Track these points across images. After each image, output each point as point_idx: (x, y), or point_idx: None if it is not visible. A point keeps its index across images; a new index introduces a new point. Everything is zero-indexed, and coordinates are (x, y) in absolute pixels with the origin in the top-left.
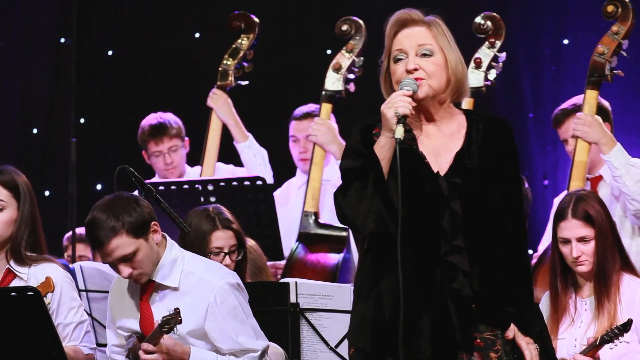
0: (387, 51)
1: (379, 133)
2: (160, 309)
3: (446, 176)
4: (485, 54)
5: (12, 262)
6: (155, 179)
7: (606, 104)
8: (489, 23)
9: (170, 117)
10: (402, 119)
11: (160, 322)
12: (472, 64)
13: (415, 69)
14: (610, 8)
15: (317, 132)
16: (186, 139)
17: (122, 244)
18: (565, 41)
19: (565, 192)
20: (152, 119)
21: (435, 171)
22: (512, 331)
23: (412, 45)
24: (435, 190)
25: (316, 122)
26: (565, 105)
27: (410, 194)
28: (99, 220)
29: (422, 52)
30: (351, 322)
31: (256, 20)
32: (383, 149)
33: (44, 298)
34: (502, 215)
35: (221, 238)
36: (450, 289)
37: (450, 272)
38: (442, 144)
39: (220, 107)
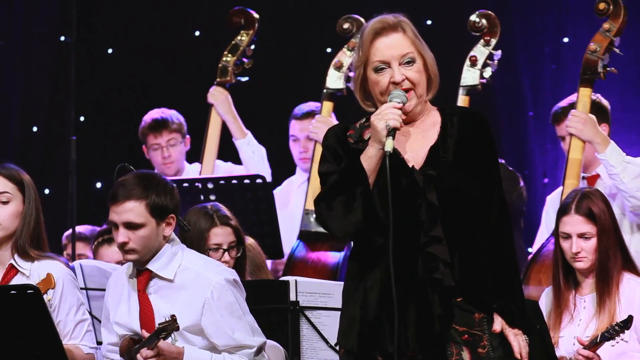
0: (364, 59)
1: (353, 135)
2: (157, 300)
3: (421, 169)
4: (480, 51)
5: (16, 257)
6: None
7: (606, 103)
8: (484, 21)
9: (172, 113)
10: (392, 132)
11: (156, 328)
12: (467, 62)
13: (403, 79)
14: (601, 5)
15: (318, 130)
16: (187, 136)
17: (135, 210)
18: (565, 39)
19: (559, 189)
20: (154, 113)
21: (410, 166)
22: (500, 324)
23: (394, 56)
24: (411, 184)
25: (317, 119)
26: (564, 102)
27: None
28: (128, 182)
29: (404, 61)
30: (340, 325)
31: (256, 16)
32: (370, 159)
33: (45, 295)
34: (483, 207)
35: (219, 234)
36: (432, 279)
37: (430, 262)
38: (417, 141)
39: (220, 103)
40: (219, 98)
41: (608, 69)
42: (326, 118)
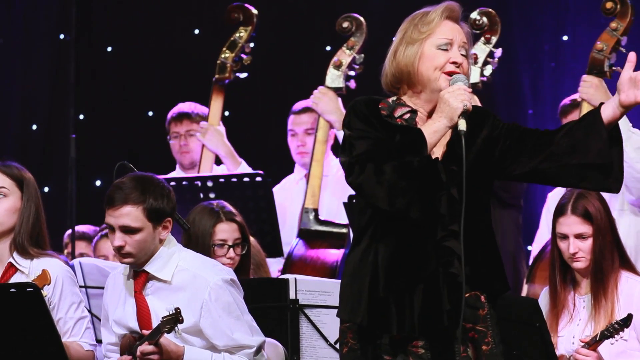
0: (428, 33)
1: (385, 108)
2: (154, 302)
3: (443, 163)
4: (481, 49)
5: (15, 255)
6: (170, 175)
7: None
8: (484, 19)
9: (198, 107)
10: (464, 113)
11: (160, 321)
12: None
13: (461, 64)
14: (609, 5)
15: (319, 101)
16: None
17: (132, 215)
18: (565, 37)
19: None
20: (182, 105)
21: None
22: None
23: (457, 40)
24: (433, 175)
25: (319, 90)
26: (571, 97)
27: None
28: (126, 185)
29: (462, 50)
30: (344, 298)
31: (254, 12)
32: (436, 133)
33: (41, 290)
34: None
35: (225, 230)
36: (445, 273)
37: (446, 257)
38: None
39: (209, 140)
40: (206, 135)
41: (614, 68)
42: (328, 89)
